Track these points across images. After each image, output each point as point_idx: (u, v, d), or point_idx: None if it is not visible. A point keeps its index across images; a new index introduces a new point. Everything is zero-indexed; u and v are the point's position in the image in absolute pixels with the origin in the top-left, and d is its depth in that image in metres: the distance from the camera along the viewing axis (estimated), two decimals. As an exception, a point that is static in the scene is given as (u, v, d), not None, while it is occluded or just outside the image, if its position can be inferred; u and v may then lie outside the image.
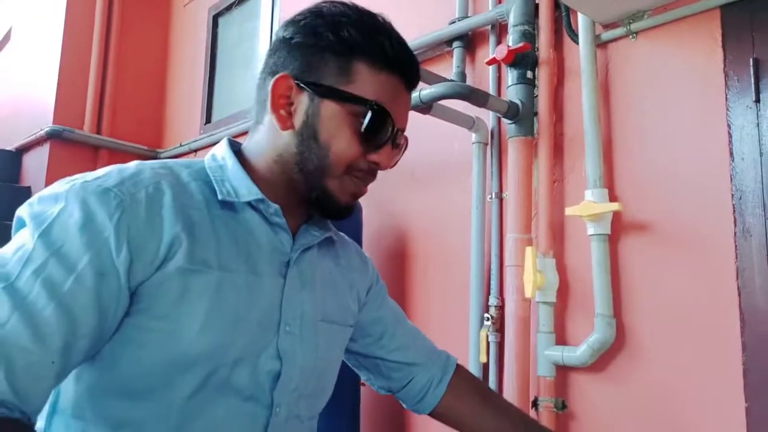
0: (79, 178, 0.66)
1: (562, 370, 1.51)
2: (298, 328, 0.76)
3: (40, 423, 0.68)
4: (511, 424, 0.93)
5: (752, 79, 1.27)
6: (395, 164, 0.81)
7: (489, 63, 1.67)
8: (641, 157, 1.44)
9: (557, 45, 1.64)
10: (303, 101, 0.73)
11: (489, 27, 1.81)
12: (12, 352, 0.56)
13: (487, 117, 1.78)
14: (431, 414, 0.97)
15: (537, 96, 1.62)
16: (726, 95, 1.31)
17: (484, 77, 1.83)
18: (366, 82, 0.72)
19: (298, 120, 0.73)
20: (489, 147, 1.78)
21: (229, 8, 3.25)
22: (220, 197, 0.72)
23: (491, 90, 1.77)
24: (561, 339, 1.53)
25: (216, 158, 0.78)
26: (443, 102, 1.60)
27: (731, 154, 1.29)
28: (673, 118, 1.40)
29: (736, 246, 1.26)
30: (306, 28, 0.73)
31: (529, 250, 1.48)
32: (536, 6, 1.66)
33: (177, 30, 3.66)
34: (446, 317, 1.83)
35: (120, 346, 0.65)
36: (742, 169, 1.27)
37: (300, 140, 0.73)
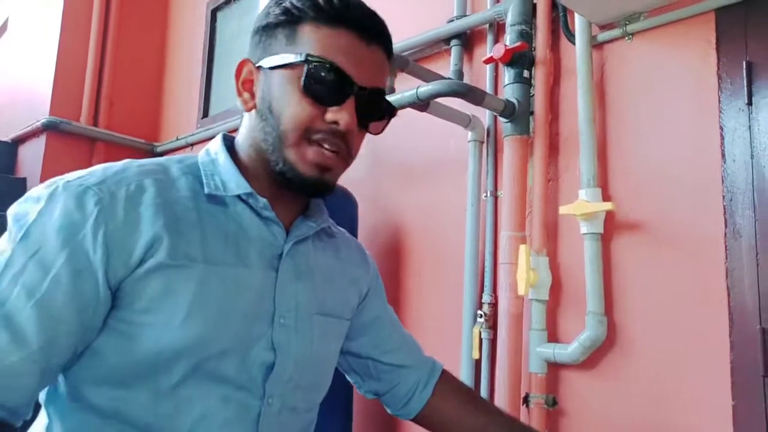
0: (64, 177, 0.67)
1: (554, 367, 1.53)
2: (293, 320, 0.76)
3: (42, 411, 0.71)
4: (497, 427, 0.92)
5: (745, 82, 1.29)
6: (381, 131, 0.78)
7: (486, 62, 1.68)
8: (635, 158, 1.46)
9: (554, 45, 1.66)
10: (260, 79, 0.75)
11: (487, 26, 1.83)
12: None
13: (484, 115, 1.79)
14: (416, 419, 0.96)
15: (533, 95, 1.64)
16: (719, 97, 1.33)
17: (481, 76, 1.84)
18: (310, 42, 0.71)
19: (258, 99, 0.75)
20: (485, 145, 1.79)
21: (227, 2, 3.25)
22: (206, 191, 0.73)
23: (488, 89, 1.78)
24: (553, 336, 1.55)
25: (209, 153, 0.79)
26: (440, 100, 1.61)
27: (723, 155, 1.31)
28: (666, 120, 1.41)
29: (726, 246, 1.28)
30: (261, 14, 0.76)
31: (522, 248, 1.50)
32: (534, 6, 1.67)
33: (175, 24, 3.65)
34: (440, 313, 1.84)
35: (106, 337, 0.66)
36: (734, 170, 1.29)
37: (261, 117, 0.74)
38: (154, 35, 3.64)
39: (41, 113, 3.11)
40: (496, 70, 1.80)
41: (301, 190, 0.75)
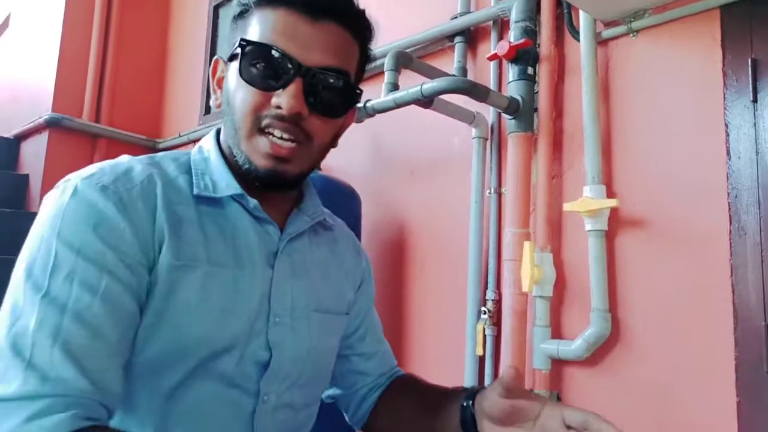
0: (76, 176, 0.66)
1: (557, 364, 1.53)
2: (289, 318, 0.75)
3: None
4: (428, 409, 0.84)
5: (750, 79, 1.29)
6: (349, 115, 0.75)
7: (490, 58, 1.68)
8: (639, 154, 1.46)
9: (558, 42, 1.65)
10: (225, 75, 0.74)
11: (491, 23, 1.83)
12: (78, 351, 0.57)
13: (488, 112, 1.79)
14: (366, 428, 0.91)
15: (537, 92, 1.64)
16: (724, 94, 1.33)
17: (484, 73, 1.84)
18: (255, 29, 0.69)
19: (223, 94, 0.74)
20: (489, 142, 1.79)
21: (229, -1, 3.25)
22: (195, 191, 0.71)
23: (492, 86, 1.78)
24: (557, 333, 1.55)
25: (202, 150, 0.78)
26: (444, 96, 1.61)
27: (728, 152, 1.31)
28: (671, 117, 1.41)
29: (731, 243, 1.28)
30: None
31: (527, 244, 1.50)
32: (538, 3, 1.67)
33: (177, 20, 3.65)
34: (443, 310, 1.84)
35: None
36: (739, 167, 1.29)
37: (226, 113, 0.73)
38: (156, 32, 3.63)
39: (44, 110, 3.11)
40: (499, 67, 1.80)
41: (261, 185, 0.71)
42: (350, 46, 0.72)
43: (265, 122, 0.68)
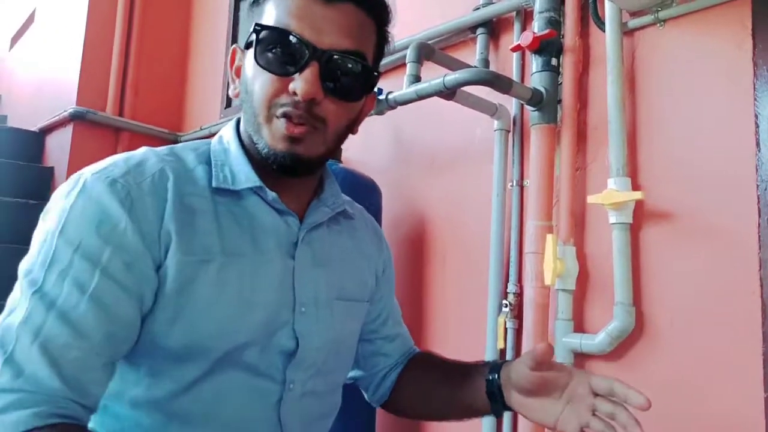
0: (88, 170, 0.67)
1: (580, 358, 1.52)
2: (314, 308, 0.76)
3: None
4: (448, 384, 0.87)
5: (782, 69, 1.26)
6: (368, 101, 0.76)
7: (514, 49, 1.66)
8: (665, 146, 1.43)
9: (583, 32, 1.63)
10: (242, 64, 0.74)
11: (514, 13, 1.81)
12: (55, 351, 0.58)
13: (510, 104, 1.78)
14: (387, 405, 0.95)
15: (561, 83, 1.62)
16: (754, 84, 1.30)
17: (507, 64, 1.82)
18: (271, 14, 0.69)
19: (240, 83, 0.74)
20: (511, 134, 1.78)
21: (250, -8, 3.26)
22: (214, 184, 0.71)
23: (514, 77, 1.76)
24: (579, 327, 1.53)
25: (222, 140, 0.78)
26: (466, 88, 1.60)
27: (758, 144, 1.28)
28: (699, 108, 1.39)
29: (759, 236, 1.25)
30: None
31: (549, 237, 1.49)
32: (563, -8, 1.65)
33: (199, 13, 3.67)
34: (464, 303, 1.84)
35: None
36: (769, 159, 1.26)
37: (244, 102, 0.72)
38: (178, 26, 3.66)
39: (68, 103, 3.16)
40: (522, 58, 1.78)
41: (279, 169, 0.70)
42: (367, 27, 0.71)
43: (282, 110, 0.67)
